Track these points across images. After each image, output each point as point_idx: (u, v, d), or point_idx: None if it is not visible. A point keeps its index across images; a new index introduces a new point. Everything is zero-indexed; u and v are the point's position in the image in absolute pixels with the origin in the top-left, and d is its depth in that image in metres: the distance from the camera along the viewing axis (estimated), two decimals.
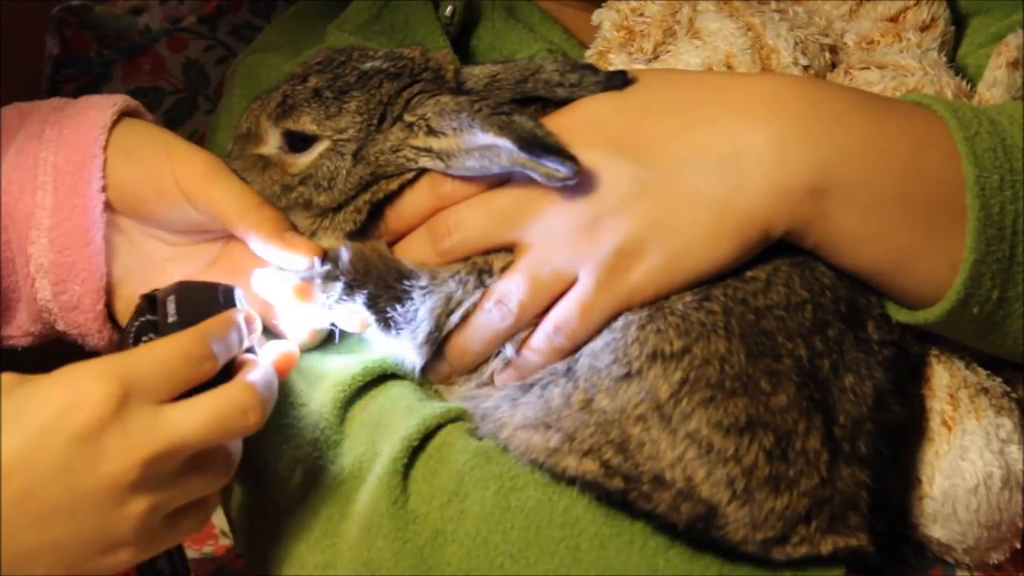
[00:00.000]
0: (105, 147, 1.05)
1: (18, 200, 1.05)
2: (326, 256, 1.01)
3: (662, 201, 0.96)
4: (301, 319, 1.02)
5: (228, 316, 0.90)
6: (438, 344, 1.01)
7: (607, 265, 0.96)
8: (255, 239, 1.02)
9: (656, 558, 0.93)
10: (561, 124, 0.98)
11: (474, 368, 1.03)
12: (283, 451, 1.01)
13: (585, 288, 0.96)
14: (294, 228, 1.04)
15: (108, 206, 1.05)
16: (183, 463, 0.84)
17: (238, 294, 0.95)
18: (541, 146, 0.94)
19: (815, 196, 0.95)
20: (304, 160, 1.02)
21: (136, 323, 0.94)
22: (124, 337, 0.96)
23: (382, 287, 0.99)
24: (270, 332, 1.02)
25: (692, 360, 0.93)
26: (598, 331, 0.97)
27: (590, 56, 1.18)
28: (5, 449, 0.79)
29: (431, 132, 0.99)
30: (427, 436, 0.98)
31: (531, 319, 0.99)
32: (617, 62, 1.15)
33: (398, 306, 0.98)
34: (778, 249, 0.97)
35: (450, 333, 1.01)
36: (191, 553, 1.61)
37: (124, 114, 1.08)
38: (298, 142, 1.02)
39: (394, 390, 1.03)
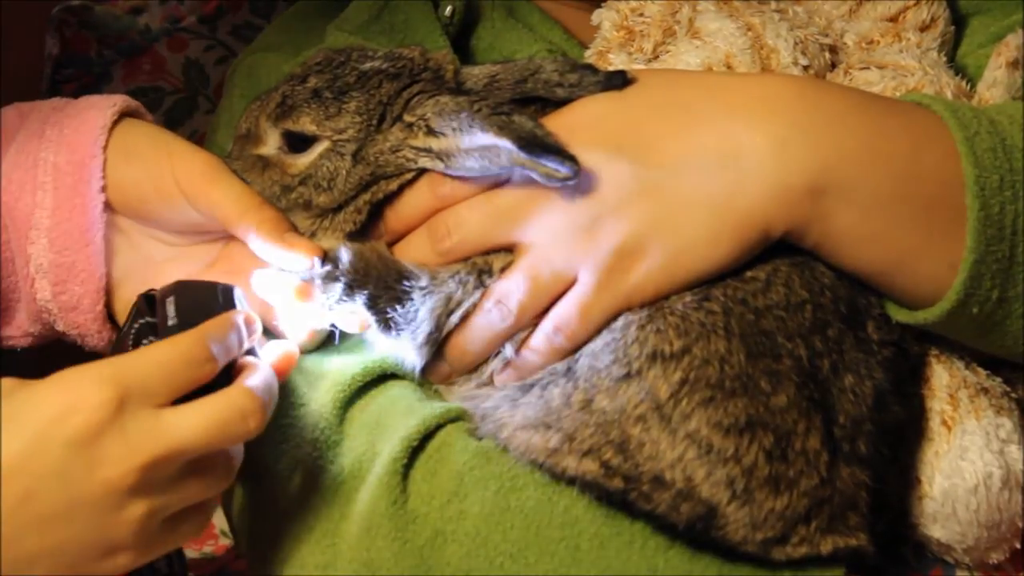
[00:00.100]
0: (105, 147, 1.05)
1: (18, 200, 1.05)
2: (326, 257, 1.01)
3: (662, 201, 0.96)
4: (301, 320, 1.02)
5: (228, 318, 0.90)
6: (438, 344, 1.01)
7: (607, 265, 0.96)
8: (255, 239, 1.02)
9: (656, 558, 0.93)
10: (561, 124, 0.98)
11: (474, 368, 1.03)
12: (283, 451, 1.01)
13: (585, 288, 0.96)
14: (294, 229, 1.04)
15: (108, 206, 1.05)
16: (182, 467, 0.84)
17: (238, 294, 0.95)
18: (541, 146, 0.94)
19: (815, 196, 0.95)
20: (304, 160, 1.02)
21: (136, 325, 0.94)
22: (122, 338, 0.95)
23: (382, 288, 0.99)
24: (270, 333, 1.02)
25: (692, 360, 0.93)
26: (598, 331, 0.97)
27: (590, 56, 1.18)
28: (4, 453, 0.79)
29: (431, 132, 0.99)
30: (427, 436, 0.98)
31: (531, 319, 0.99)
32: (617, 62, 1.15)
33: (398, 307, 0.98)
34: (778, 249, 0.97)
35: (450, 333, 1.01)
36: (191, 553, 1.61)
37: (124, 114, 1.08)
38: (298, 143, 1.02)
39: (394, 390, 1.03)
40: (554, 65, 1.03)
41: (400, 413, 1.00)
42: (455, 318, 1.00)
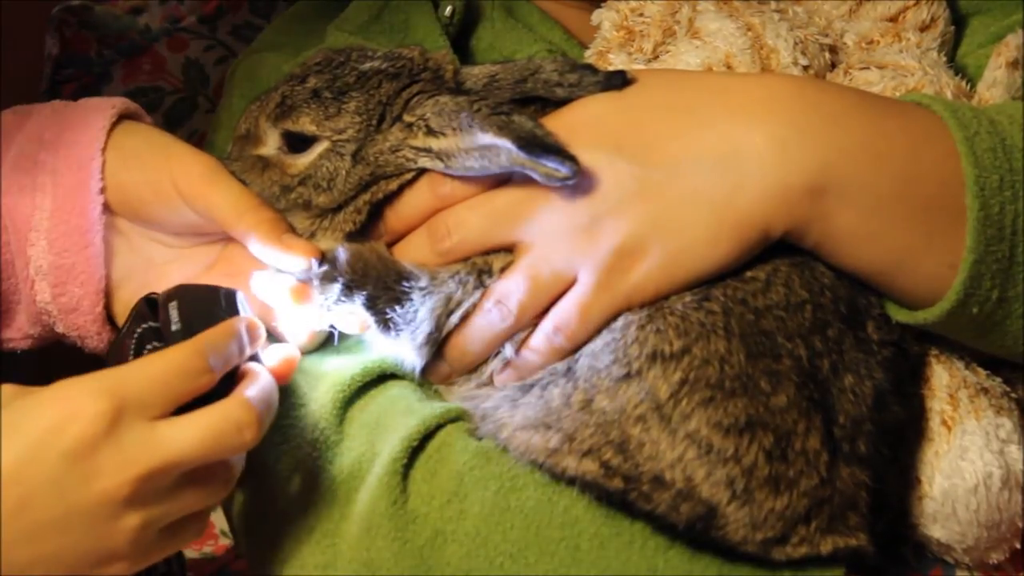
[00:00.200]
0: (104, 149, 1.05)
1: (17, 202, 1.05)
2: (324, 257, 1.01)
3: (661, 201, 0.96)
4: (300, 321, 1.02)
5: (229, 327, 0.90)
6: (438, 345, 1.01)
7: (606, 265, 0.96)
8: (252, 240, 1.02)
9: (656, 558, 0.93)
10: (560, 124, 0.98)
11: (474, 368, 1.03)
12: (283, 451, 1.01)
13: (584, 288, 0.96)
14: (292, 230, 1.04)
15: (107, 208, 1.05)
16: (179, 478, 0.84)
17: (240, 299, 0.95)
18: (540, 146, 0.94)
19: (814, 196, 0.95)
20: (303, 161, 1.02)
21: (138, 329, 0.93)
22: (121, 342, 0.95)
23: (381, 288, 0.99)
24: (270, 335, 1.02)
25: (692, 360, 0.93)
26: (598, 331, 0.97)
27: (590, 56, 1.18)
28: (2, 462, 0.79)
29: (430, 132, 0.99)
30: (427, 436, 0.98)
31: (531, 319, 0.99)
32: (617, 62, 1.15)
33: (397, 307, 0.98)
34: (778, 249, 0.97)
35: (450, 333, 1.01)
36: (191, 553, 1.61)
37: (123, 116, 1.08)
38: (297, 143, 1.02)
39: (393, 390, 1.03)
40: (554, 65, 1.03)
41: (400, 413, 1.00)
42: (455, 318, 1.00)
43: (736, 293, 0.96)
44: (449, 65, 1.05)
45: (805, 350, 0.95)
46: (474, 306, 1.00)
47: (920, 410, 1.02)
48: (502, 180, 0.99)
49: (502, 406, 0.99)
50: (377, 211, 1.03)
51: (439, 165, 1.00)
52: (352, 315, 1.00)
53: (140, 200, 1.05)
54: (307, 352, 1.04)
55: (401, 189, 1.02)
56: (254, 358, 0.93)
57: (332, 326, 1.02)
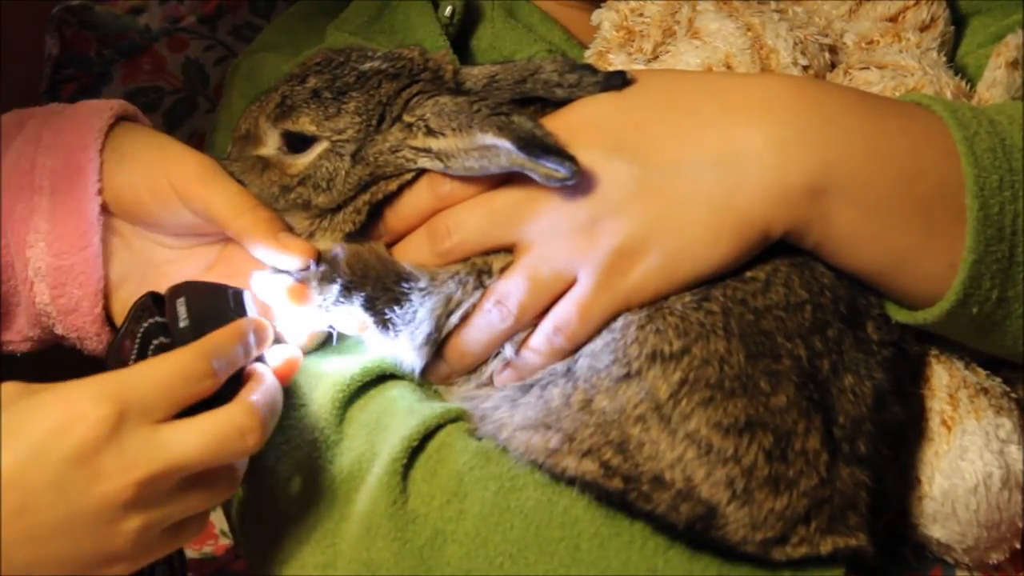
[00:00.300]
0: (101, 151, 1.05)
1: (16, 204, 1.05)
2: (322, 258, 1.01)
3: (661, 201, 0.96)
4: (299, 322, 1.02)
5: (236, 329, 0.90)
6: (437, 345, 1.01)
7: (606, 265, 0.96)
8: (249, 240, 1.01)
9: (656, 558, 0.93)
10: (560, 124, 0.98)
11: (474, 369, 1.03)
12: (283, 451, 1.01)
13: (584, 288, 0.96)
14: (290, 230, 1.04)
15: (105, 209, 1.05)
16: (181, 482, 0.84)
17: (247, 298, 0.94)
18: (540, 146, 0.94)
19: (814, 196, 0.95)
20: (303, 161, 1.02)
21: (144, 324, 0.93)
22: (121, 340, 0.94)
23: (380, 289, 0.99)
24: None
25: (691, 360, 0.93)
26: (597, 332, 0.97)
27: (589, 56, 1.18)
28: (2, 465, 0.79)
29: (430, 133, 0.99)
30: (426, 436, 0.98)
31: (530, 320, 0.99)
32: (617, 62, 1.15)
33: (397, 308, 0.98)
34: (778, 249, 0.97)
35: (449, 334, 1.01)
36: (191, 553, 1.61)
37: (121, 118, 1.08)
38: (297, 143, 1.02)
39: (393, 390, 1.03)
40: (554, 65, 1.03)
41: (400, 413, 1.00)
42: (455, 319, 1.00)
43: (736, 293, 0.96)
44: (449, 65, 1.05)
45: (805, 350, 0.95)
46: (474, 306, 0.99)
47: (920, 410, 1.02)
48: (502, 180, 0.99)
49: (502, 406, 0.99)
50: (377, 211, 1.03)
51: (439, 165, 1.00)
52: (351, 316, 1.00)
53: (138, 201, 1.05)
54: (307, 352, 1.03)
55: (401, 189, 1.02)
56: (259, 359, 0.92)
57: (331, 327, 1.02)
